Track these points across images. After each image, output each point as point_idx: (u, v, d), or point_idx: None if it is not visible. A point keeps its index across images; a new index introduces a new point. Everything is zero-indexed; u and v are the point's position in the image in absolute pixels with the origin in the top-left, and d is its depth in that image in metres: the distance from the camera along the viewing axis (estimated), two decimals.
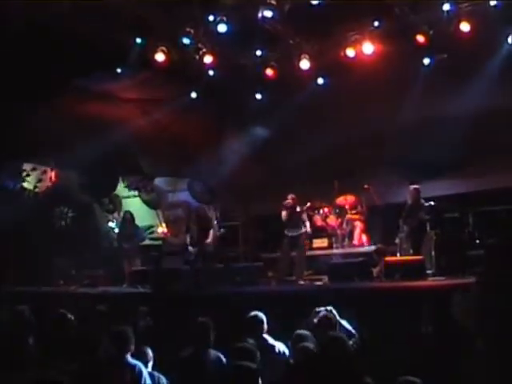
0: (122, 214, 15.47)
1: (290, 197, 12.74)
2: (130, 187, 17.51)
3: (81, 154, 14.20)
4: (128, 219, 14.48)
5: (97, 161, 14.99)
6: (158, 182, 18.02)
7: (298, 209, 12.69)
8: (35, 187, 15.53)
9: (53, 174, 15.99)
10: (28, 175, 15.37)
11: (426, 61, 12.38)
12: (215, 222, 14.45)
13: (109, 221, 16.68)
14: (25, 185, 15.37)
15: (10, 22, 10.65)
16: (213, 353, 6.56)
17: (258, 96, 14.64)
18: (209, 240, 12.71)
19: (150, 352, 6.46)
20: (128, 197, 17.66)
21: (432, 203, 11.94)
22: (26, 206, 14.87)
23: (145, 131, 15.10)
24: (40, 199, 15.55)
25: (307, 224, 12.86)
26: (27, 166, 15.45)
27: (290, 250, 12.74)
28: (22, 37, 10.89)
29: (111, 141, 13.73)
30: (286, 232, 12.73)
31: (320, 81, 13.47)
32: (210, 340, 6.58)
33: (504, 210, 12.68)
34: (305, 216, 12.87)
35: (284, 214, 12.64)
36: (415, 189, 12.05)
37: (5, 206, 13.93)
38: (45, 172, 15.84)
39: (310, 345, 6.21)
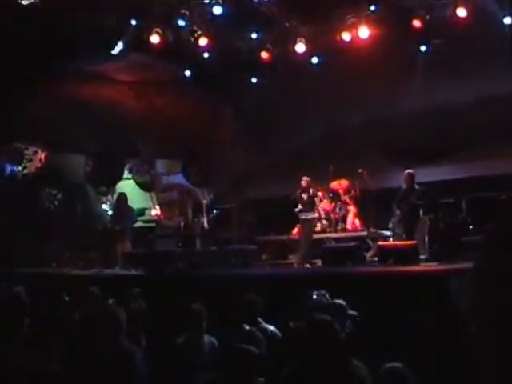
0: (115, 196, 15.39)
1: (305, 178, 12.74)
2: (131, 171, 17.37)
3: (79, 136, 14.14)
4: (123, 201, 14.41)
5: (97, 145, 14.94)
6: None
7: (311, 192, 12.69)
8: (24, 167, 15.40)
9: (43, 156, 15.85)
10: (23, 157, 15.28)
11: (423, 47, 12.32)
12: (210, 205, 14.44)
13: (103, 203, 16.60)
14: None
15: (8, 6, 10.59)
16: (207, 338, 6.58)
17: (254, 79, 14.60)
18: (203, 223, 12.70)
19: (143, 335, 6.46)
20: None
21: (424, 188, 11.93)
22: (15, 188, 14.80)
23: (140, 113, 15.03)
24: (28, 180, 15.42)
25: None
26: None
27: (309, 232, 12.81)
28: (18, 20, 10.81)
29: (109, 124, 13.66)
30: (299, 215, 12.76)
31: (315, 63, 13.39)
32: (203, 327, 6.59)
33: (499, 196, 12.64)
34: (316, 200, 12.93)
35: (298, 198, 12.66)
36: (409, 173, 11.98)
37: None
38: (35, 153, 15.70)
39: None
